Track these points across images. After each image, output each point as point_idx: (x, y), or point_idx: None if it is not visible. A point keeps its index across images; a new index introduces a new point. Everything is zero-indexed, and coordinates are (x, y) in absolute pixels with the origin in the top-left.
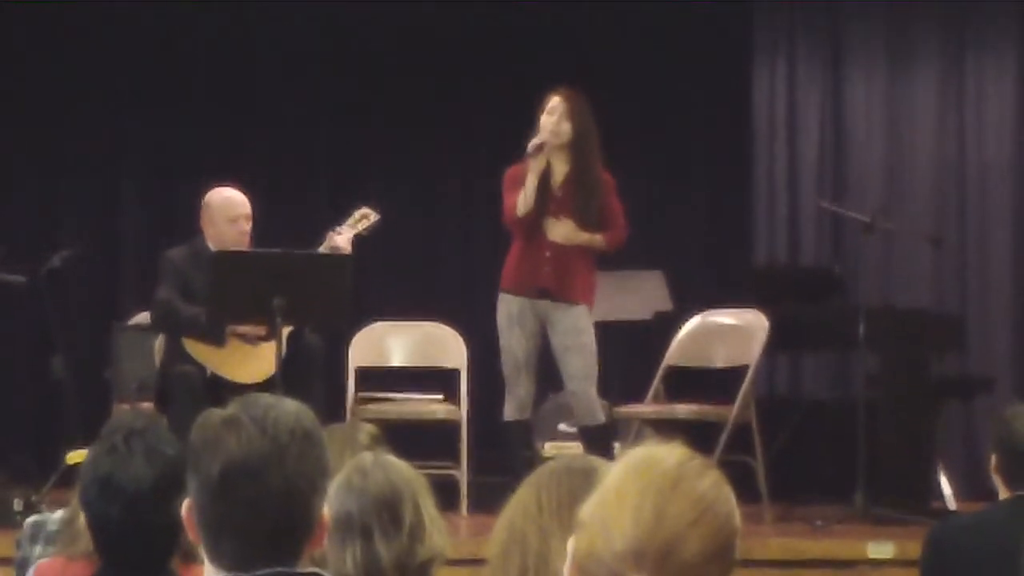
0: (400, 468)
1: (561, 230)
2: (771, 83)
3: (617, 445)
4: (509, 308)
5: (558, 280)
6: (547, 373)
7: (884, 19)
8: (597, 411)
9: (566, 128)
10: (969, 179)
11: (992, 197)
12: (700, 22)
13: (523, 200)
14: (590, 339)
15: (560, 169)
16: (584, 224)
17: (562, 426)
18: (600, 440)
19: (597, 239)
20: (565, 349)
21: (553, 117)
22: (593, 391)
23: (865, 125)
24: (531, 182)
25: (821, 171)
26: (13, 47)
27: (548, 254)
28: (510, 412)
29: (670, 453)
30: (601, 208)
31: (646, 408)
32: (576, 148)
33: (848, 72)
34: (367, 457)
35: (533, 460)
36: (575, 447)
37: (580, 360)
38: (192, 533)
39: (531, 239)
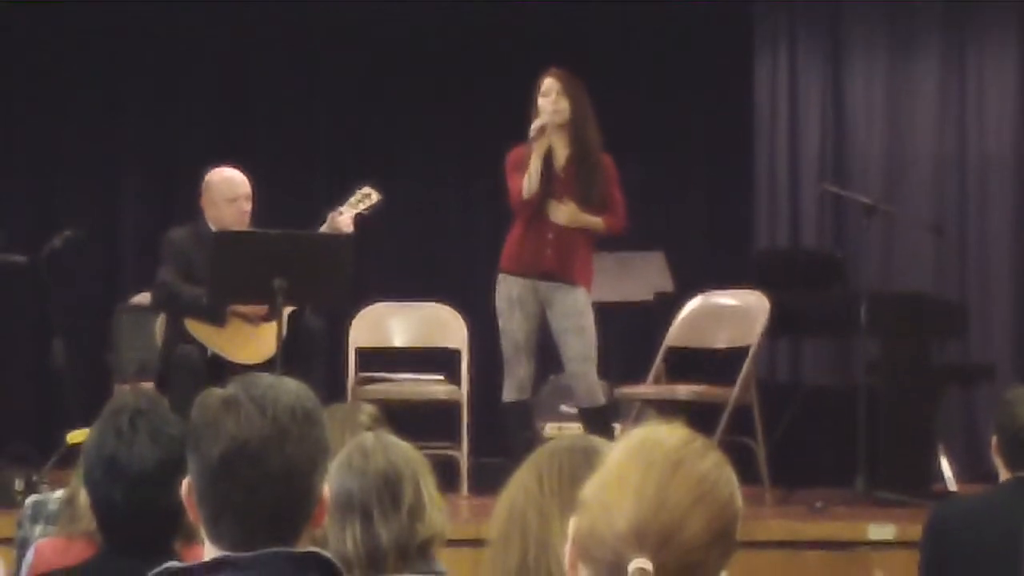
0: (401, 448)
1: (564, 212)
2: (772, 72)
3: (618, 426)
4: (509, 289)
5: (560, 262)
6: (547, 354)
7: (885, 9)
8: (597, 393)
9: (564, 106)
10: (970, 168)
11: (992, 186)
12: (702, 10)
13: (528, 182)
14: (590, 321)
15: (562, 151)
16: (586, 205)
17: (563, 407)
18: (601, 421)
19: (597, 222)
20: (565, 331)
21: (550, 97)
22: (593, 373)
23: (866, 115)
24: (535, 164)
25: (822, 159)
26: (13, 31)
27: (551, 236)
28: (509, 393)
29: (672, 434)
30: (602, 192)
31: (647, 389)
32: (576, 127)
33: (849, 62)
34: (368, 437)
35: (533, 441)
36: (576, 428)
37: (580, 342)
38: (192, 513)
39: (534, 221)
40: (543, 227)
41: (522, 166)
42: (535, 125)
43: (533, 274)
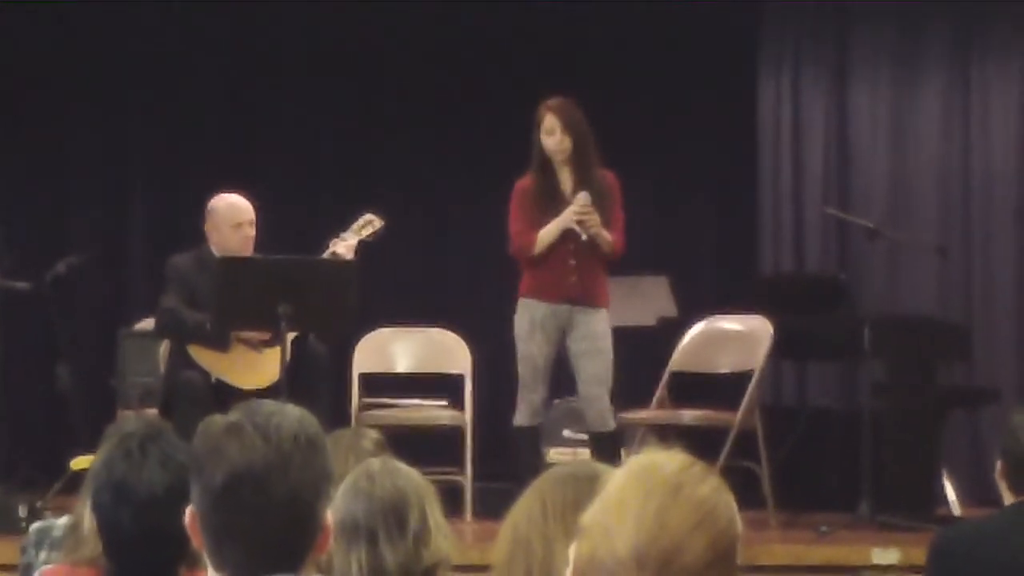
0: (407, 474)
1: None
2: (777, 92)
3: (622, 451)
4: (532, 314)
5: (584, 286)
6: (552, 379)
7: (890, 28)
8: (608, 417)
9: (568, 144)
10: (974, 189)
11: (997, 206)
12: (707, 30)
13: (543, 243)
14: (609, 345)
15: (567, 180)
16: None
17: (566, 432)
18: (609, 446)
19: (606, 237)
20: (582, 353)
21: (554, 136)
22: (606, 397)
23: (870, 134)
24: (553, 231)
25: (826, 180)
26: (20, 54)
27: (573, 262)
28: (522, 418)
29: (671, 459)
30: (607, 212)
31: (651, 414)
32: (577, 156)
33: (854, 81)
34: (375, 463)
35: (539, 466)
36: (580, 453)
37: (596, 365)
38: (196, 539)
39: (554, 248)
40: (564, 254)
41: (528, 203)
42: (573, 225)
43: (557, 299)
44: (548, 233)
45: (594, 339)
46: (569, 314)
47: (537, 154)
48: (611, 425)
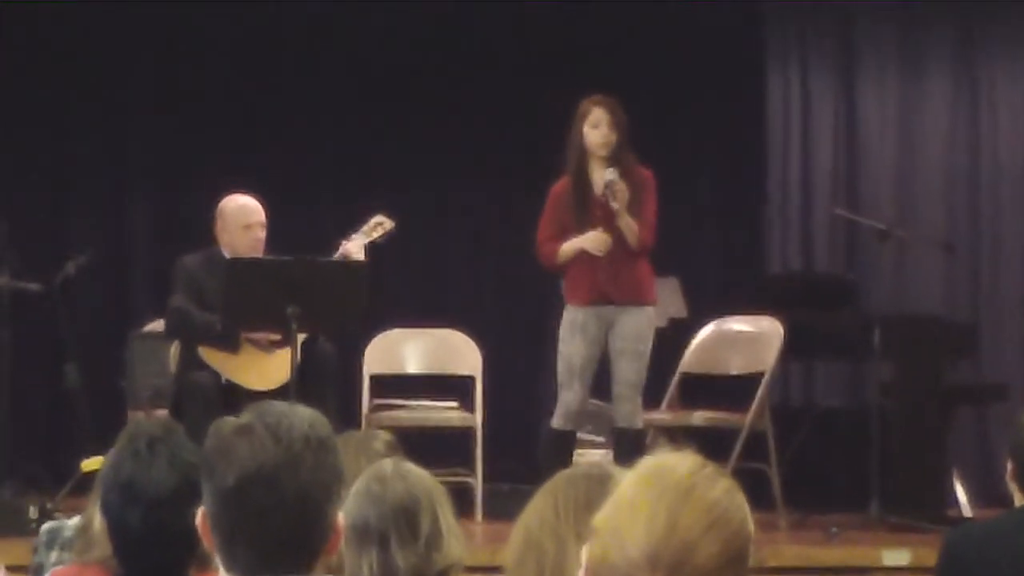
0: (419, 476)
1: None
2: (784, 91)
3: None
4: (574, 317)
5: (618, 284)
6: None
7: (896, 27)
8: (637, 417)
9: (613, 139)
10: (982, 186)
11: (1004, 204)
12: (714, 30)
13: (564, 256)
14: (648, 346)
15: (600, 182)
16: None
17: (579, 433)
18: (634, 444)
19: (632, 225)
20: (622, 352)
21: (600, 130)
22: (638, 398)
23: (878, 133)
24: (576, 245)
25: (835, 179)
26: (22, 56)
27: (604, 262)
28: (555, 419)
29: (683, 461)
30: (638, 203)
31: (661, 415)
32: (618, 152)
33: (861, 80)
34: (386, 465)
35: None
36: (595, 454)
37: (633, 367)
38: (207, 540)
39: (584, 252)
40: (594, 256)
41: (563, 210)
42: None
43: (595, 301)
44: (568, 249)
45: (636, 340)
46: (612, 313)
47: (576, 152)
48: (639, 424)
